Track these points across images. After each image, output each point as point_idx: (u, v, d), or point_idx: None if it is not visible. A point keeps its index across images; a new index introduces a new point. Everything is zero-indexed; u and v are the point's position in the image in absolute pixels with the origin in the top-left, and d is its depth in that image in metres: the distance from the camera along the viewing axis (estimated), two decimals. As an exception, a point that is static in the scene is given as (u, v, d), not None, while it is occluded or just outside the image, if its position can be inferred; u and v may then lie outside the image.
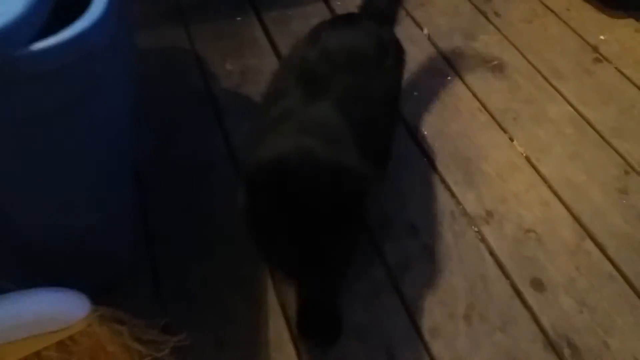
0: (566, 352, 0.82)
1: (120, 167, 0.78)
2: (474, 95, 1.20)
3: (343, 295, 0.85)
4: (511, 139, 1.12)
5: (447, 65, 1.27)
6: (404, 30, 1.14)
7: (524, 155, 1.09)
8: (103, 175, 0.73)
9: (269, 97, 0.81)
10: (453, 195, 1.01)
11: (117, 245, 0.85)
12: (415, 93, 1.19)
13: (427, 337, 0.83)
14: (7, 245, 0.70)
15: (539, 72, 1.27)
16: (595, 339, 0.84)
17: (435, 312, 0.86)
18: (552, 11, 1.44)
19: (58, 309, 0.62)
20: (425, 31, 1.34)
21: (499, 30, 1.37)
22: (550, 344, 0.83)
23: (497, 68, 1.27)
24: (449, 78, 1.24)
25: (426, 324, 0.84)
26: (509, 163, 1.07)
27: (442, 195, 1.01)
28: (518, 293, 0.89)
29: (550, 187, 1.04)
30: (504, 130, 1.13)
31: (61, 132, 0.62)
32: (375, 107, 0.78)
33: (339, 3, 1.38)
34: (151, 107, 1.04)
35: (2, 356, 0.61)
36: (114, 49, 0.62)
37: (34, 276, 0.66)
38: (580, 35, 1.37)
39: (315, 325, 0.84)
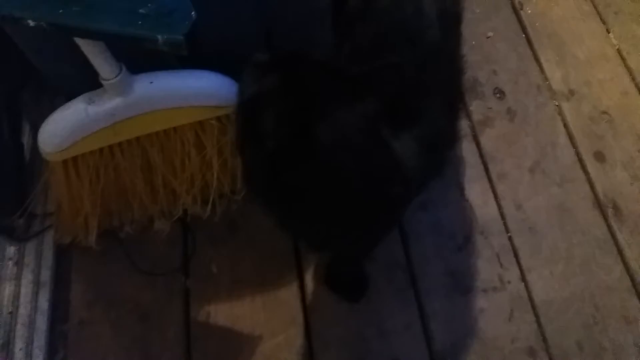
0: (610, 212, 0.98)
1: None
2: (582, -16, 1.25)
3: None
4: (608, 31, 1.17)
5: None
6: None
7: (617, 47, 1.15)
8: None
9: None
10: (542, 71, 1.11)
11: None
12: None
13: (494, 179, 1.00)
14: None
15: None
16: (639, 207, 0.99)
17: (505, 162, 1.02)
18: None
19: (219, 88, 0.78)
20: None
21: None
22: (598, 204, 0.99)
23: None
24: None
25: (495, 169, 1.01)
26: (600, 52, 1.14)
27: (532, 70, 1.11)
28: (580, 160, 1.03)
29: (633, 79, 1.11)
30: (603, 22, 1.18)
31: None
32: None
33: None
34: None
35: (172, 119, 0.78)
36: None
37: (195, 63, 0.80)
38: None
39: (343, 284, 0.91)
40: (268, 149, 0.51)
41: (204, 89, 0.78)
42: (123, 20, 0.58)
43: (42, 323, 0.79)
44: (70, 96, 0.76)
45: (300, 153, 0.51)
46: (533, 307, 0.91)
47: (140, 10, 0.58)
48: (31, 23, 0.58)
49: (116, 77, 0.70)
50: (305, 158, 0.51)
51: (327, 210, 0.56)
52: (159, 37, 0.58)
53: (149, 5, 0.58)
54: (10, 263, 0.84)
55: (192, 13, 0.58)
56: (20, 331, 0.78)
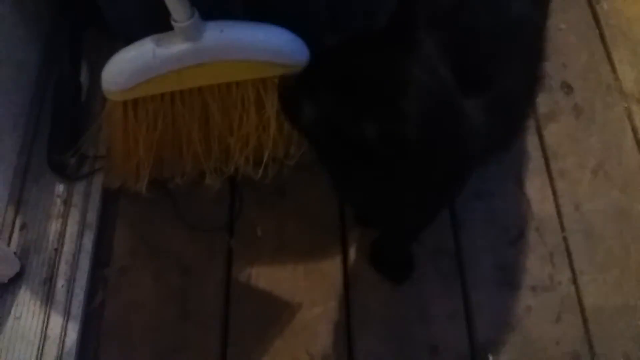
0: (674, 223, 0.93)
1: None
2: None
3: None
4: (688, 36, 1.12)
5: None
6: None
7: (696, 54, 1.10)
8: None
9: None
10: (614, 70, 1.06)
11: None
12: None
13: (555, 175, 0.96)
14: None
15: None
16: None
17: (567, 159, 0.97)
18: None
19: (288, 46, 0.76)
20: None
21: None
22: (661, 214, 0.94)
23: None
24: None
25: (557, 165, 0.96)
26: (678, 57, 1.09)
27: (603, 68, 1.06)
28: (647, 168, 0.98)
29: None
30: (684, 26, 1.13)
31: None
32: None
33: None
34: None
35: (236, 72, 0.76)
36: None
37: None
38: None
39: (387, 264, 0.88)
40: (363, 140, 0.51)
41: (272, 45, 0.75)
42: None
43: (85, 264, 0.79)
44: (129, 42, 0.74)
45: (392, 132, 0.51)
46: (582, 311, 0.86)
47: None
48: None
49: (189, 20, 0.67)
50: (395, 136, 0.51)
51: (391, 177, 0.55)
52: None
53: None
54: (59, 200, 0.83)
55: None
56: (63, 268, 0.78)
